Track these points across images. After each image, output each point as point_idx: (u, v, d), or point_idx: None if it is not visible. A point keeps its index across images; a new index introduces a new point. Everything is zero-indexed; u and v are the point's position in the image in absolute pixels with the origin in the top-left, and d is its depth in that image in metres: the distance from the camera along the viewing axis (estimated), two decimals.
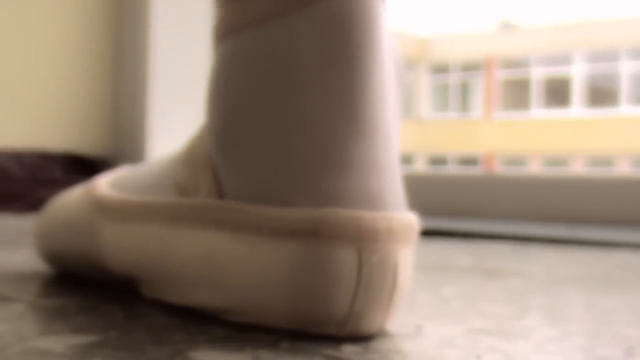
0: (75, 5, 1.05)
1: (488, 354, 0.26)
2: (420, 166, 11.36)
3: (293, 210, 0.27)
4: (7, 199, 0.96)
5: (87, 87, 1.07)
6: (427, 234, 0.83)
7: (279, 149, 0.28)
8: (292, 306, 0.27)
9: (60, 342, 0.26)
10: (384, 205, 0.27)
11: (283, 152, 0.27)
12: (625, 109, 10.85)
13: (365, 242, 0.26)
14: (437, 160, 11.59)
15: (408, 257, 0.28)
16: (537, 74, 11.65)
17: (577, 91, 11.27)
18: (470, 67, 11.85)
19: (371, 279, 0.26)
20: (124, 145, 1.08)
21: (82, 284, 0.39)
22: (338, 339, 0.27)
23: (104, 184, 0.38)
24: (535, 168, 10.92)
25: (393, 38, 0.30)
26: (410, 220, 0.28)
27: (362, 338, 0.28)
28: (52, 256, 0.41)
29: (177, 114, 1.08)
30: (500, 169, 11.19)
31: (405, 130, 11.25)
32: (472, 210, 1.02)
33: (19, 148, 0.99)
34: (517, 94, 11.83)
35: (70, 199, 0.40)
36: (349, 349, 0.26)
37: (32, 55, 1.01)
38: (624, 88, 10.97)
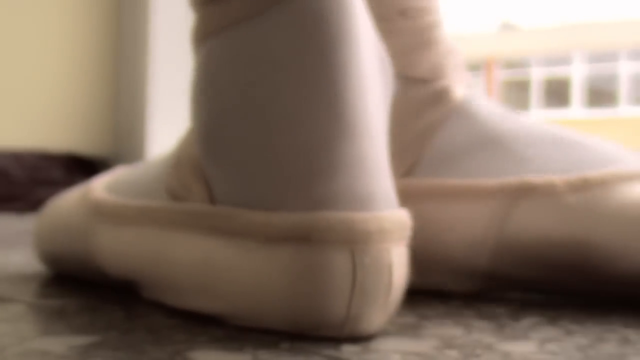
0: (75, 6, 1.05)
1: (487, 354, 0.26)
2: None
3: (283, 216, 0.26)
4: (7, 199, 0.96)
5: (87, 88, 1.07)
6: None
7: (265, 153, 0.27)
8: (289, 311, 0.27)
9: (60, 343, 0.26)
10: (373, 205, 0.27)
11: (269, 156, 0.27)
12: (624, 110, 10.85)
13: (357, 244, 0.26)
14: None
15: (402, 255, 0.28)
16: (537, 75, 11.65)
17: (577, 92, 11.27)
18: (470, 68, 11.86)
19: (366, 281, 0.26)
20: (123, 145, 1.08)
21: (81, 284, 0.39)
22: (338, 339, 0.27)
23: (99, 187, 0.38)
24: None
25: (375, 34, 0.30)
26: (401, 218, 0.28)
27: (361, 338, 0.28)
28: (51, 259, 0.41)
29: (176, 115, 1.08)
30: None
31: None
32: None
33: (18, 148, 0.99)
34: (517, 94, 11.84)
35: (67, 201, 0.40)
36: (348, 349, 0.26)
37: (31, 56, 1.01)
38: (623, 89, 10.97)
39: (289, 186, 0.27)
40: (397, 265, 0.27)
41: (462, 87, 0.40)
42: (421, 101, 0.39)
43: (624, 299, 0.36)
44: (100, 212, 0.36)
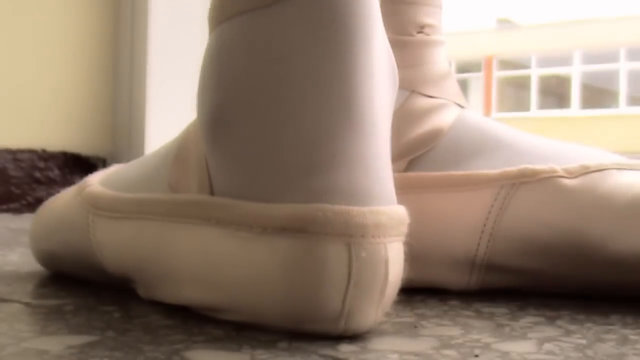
0: (74, 5, 1.05)
1: (486, 354, 0.26)
2: None
3: (281, 207, 0.26)
4: (4, 199, 0.96)
5: (85, 87, 1.07)
6: None
7: (267, 143, 0.27)
8: (284, 303, 0.27)
9: (57, 343, 0.26)
10: (372, 200, 0.27)
11: (271, 147, 0.27)
12: (623, 108, 10.85)
13: (353, 237, 0.26)
14: None
15: (398, 250, 0.28)
16: (536, 73, 11.65)
17: (576, 90, 11.27)
18: (469, 66, 11.86)
19: (362, 275, 0.26)
20: (121, 145, 1.08)
21: (79, 284, 0.39)
22: (335, 339, 0.27)
23: (95, 182, 0.38)
24: None
25: (387, 40, 0.30)
26: (399, 213, 0.28)
27: (359, 338, 0.28)
28: (48, 258, 0.41)
29: (175, 114, 1.08)
30: None
31: None
32: None
33: (16, 148, 0.99)
34: (516, 92, 11.84)
35: (62, 199, 0.40)
36: (346, 349, 0.26)
37: (29, 55, 1.01)
38: (623, 87, 10.97)
39: (289, 178, 0.27)
40: (393, 260, 0.27)
41: (462, 107, 0.42)
42: (427, 109, 0.40)
43: (623, 297, 0.36)
44: (97, 206, 0.36)
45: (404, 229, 0.28)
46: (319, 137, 0.27)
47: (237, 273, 0.27)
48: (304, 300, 0.26)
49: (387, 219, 0.27)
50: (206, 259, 0.28)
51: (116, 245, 0.34)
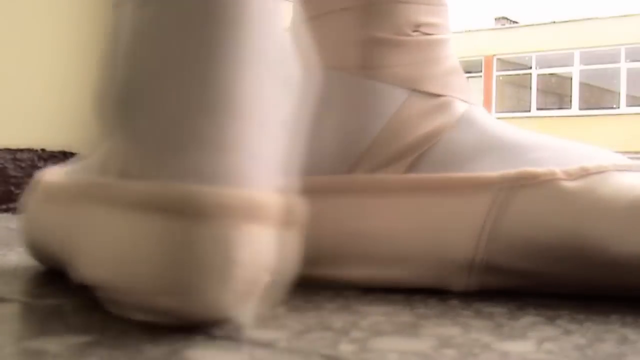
0: (74, 5, 1.05)
1: (485, 353, 0.26)
2: None
3: (135, 184, 0.28)
4: (4, 199, 0.96)
5: (85, 86, 1.07)
6: None
7: (137, 123, 0.29)
8: (146, 282, 0.27)
9: (56, 342, 0.26)
10: (222, 181, 0.27)
11: (143, 127, 0.29)
12: (623, 108, 10.85)
13: (193, 217, 0.26)
14: None
15: (253, 235, 0.27)
16: (536, 73, 11.64)
17: (576, 90, 11.27)
18: (469, 66, 11.86)
19: (203, 256, 0.26)
20: None
21: (78, 283, 0.39)
22: (335, 338, 0.27)
23: (56, 170, 0.40)
24: None
25: (285, 33, 0.30)
26: (258, 197, 0.27)
27: (359, 337, 0.28)
28: (34, 252, 0.43)
29: None
30: None
31: None
32: None
33: (16, 147, 0.99)
34: (516, 92, 11.84)
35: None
36: (346, 348, 0.26)
37: (29, 55, 1.01)
38: (623, 87, 10.97)
39: (151, 156, 0.28)
40: (241, 242, 0.27)
41: (467, 103, 0.41)
42: (428, 110, 0.40)
43: (623, 297, 0.36)
44: (47, 193, 0.38)
45: (269, 214, 0.28)
46: (173, 117, 0.28)
47: (111, 250, 0.28)
48: (158, 280, 0.27)
49: (234, 201, 0.27)
50: (94, 237, 0.30)
51: (49, 227, 0.36)
